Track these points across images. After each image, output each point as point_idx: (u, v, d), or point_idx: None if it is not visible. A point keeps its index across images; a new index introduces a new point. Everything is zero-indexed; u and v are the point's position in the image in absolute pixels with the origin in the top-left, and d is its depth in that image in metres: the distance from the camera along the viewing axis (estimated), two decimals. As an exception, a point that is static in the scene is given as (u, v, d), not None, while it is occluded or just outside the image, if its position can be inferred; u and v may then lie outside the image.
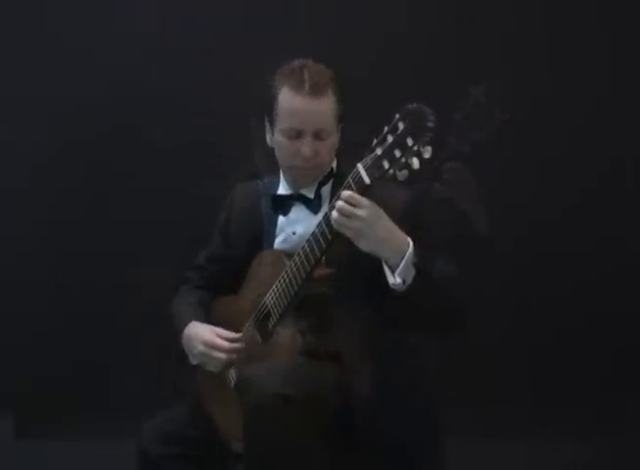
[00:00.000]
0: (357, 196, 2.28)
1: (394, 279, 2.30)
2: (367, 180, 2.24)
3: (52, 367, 3.97)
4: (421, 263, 2.30)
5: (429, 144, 2.14)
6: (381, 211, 2.31)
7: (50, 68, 3.97)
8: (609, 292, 3.93)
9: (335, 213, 2.29)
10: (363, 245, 2.31)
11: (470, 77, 3.85)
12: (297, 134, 2.50)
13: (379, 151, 2.21)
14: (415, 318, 2.38)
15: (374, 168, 2.22)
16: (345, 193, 2.28)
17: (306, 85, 2.47)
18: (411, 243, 2.32)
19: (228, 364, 2.59)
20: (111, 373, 3.95)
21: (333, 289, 2.46)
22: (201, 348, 2.59)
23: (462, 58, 3.92)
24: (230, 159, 3.79)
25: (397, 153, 2.17)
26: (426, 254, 2.33)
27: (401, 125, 2.18)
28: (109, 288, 3.99)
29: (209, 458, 2.67)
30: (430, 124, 2.14)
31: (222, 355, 2.56)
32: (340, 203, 2.29)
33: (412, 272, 2.30)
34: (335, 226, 2.31)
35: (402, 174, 2.18)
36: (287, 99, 2.50)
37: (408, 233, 2.36)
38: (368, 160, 2.24)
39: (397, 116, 2.20)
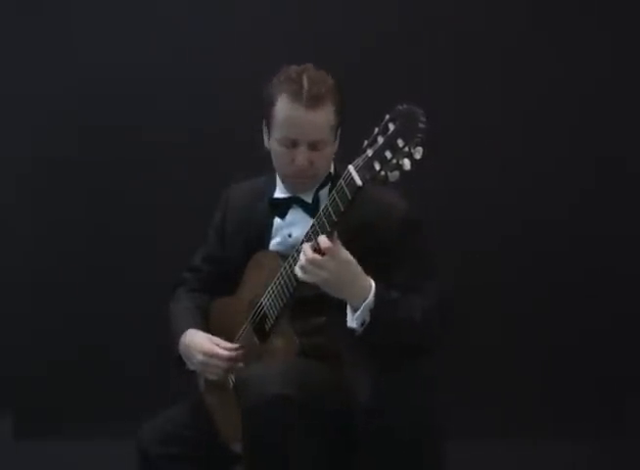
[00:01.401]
0: (331, 246, 2.29)
1: (351, 322, 2.35)
2: (359, 182, 2.22)
3: (52, 367, 3.97)
4: (378, 311, 2.33)
5: (420, 145, 2.13)
6: (349, 261, 2.33)
7: (50, 67, 3.98)
8: (609, 292, 3.93)
9: (303, 260, 2.32)
10: (327, 290, 2.34)
11: (464, 78, 3.92)
12: (292, 144, 2.49)
13: (370, 152, 2.20)
14: (373, 354, 2.41)
15: (365, 170, 2.21)
16: (321, 239, 2.30)
17: (304, 96, 2.44)
18: (373, 289, 2.34)
19: (227, 372, 2.59)
20: (110, 373, 3.96)
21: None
22: (200, 357, 2.58)
23: (456, 58, 3.92)
24: (229, 158, 3.81)
25: (388, 154, 2.16)
26: (390, 299, 2.36)
27: (392, 126, 2.17)
28: (109, 288, 4.00)
29: (209, 459, 2.67)
30: (421, 125, 2.13)
31: (222, 364, 2.56)
32: (309, 253, 2.31)
33: (369, 317, 2.34)
34: (299, 274, 2.33)
35: (394, 175, 2.17)
36: (283, 108, 2.47)
37: (400, 253, 2.41)
38: (359, 161, 2.23)
39: (388, 116, 2.20)
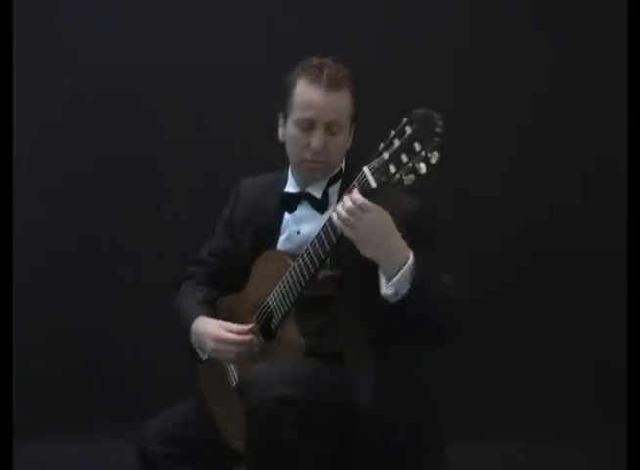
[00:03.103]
0: (368, 201, 2.28)
1: (386, 289, 2.33)
2: (373, 184, 2.24)
3: (52, 367, 3.97)
4: (417, 281, 2.31)
5: (436, 149, 2.14)
6: (388, 220, 2.32)
7: (57, 68, 3.99)
8: (608, 291, 3.94)
9: (342, 211, 2.30)
10: (364, 249, 2.32)
11: (478, 81, 3.93)
12: (309, 125, 2.51)
13: (385, 155, 2.21)
14: (404, 328, 2.39)
15: (380, 173, 2.23)
16: (357, 196, 2.28)
17: (324, 78, 2.49)
18: (411, 257, 2.32)
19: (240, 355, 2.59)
20: (111, 373, 3.96)
21: (336, 291, 2.46)
22: (212, 344, 2.58)
23: (471, 62, 3.93)
24: (232, 156, 3.82)
25: (404, 157, 2.18)
26: (427, 269, 2.33)
27: (409, 130, 2.18)
28: (109, 288, 4.00)
29: (211, 458, 2.67)
30: (437, 129, 2.14)
31: (234, 349, 2.56)
32: (349, 204, 2.29)
33: (407, 286, 2.31)
34: (338, 225, 2.32)
35: (409, 179, 2.18)
36: (303, 90, 2.52)
37: (413, 244, 2.38)
38: (374, 163, 2.24)
39: (405, 120, 2.20)
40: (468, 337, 2.48)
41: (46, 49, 3.96)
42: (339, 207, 2.32)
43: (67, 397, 3.96)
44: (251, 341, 2.56)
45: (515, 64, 3.94)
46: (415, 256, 2.33)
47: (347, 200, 2.30)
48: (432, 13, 3.93)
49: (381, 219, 2.30)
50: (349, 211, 2.29)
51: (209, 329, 2.60)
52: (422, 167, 2.16)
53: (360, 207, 2.27)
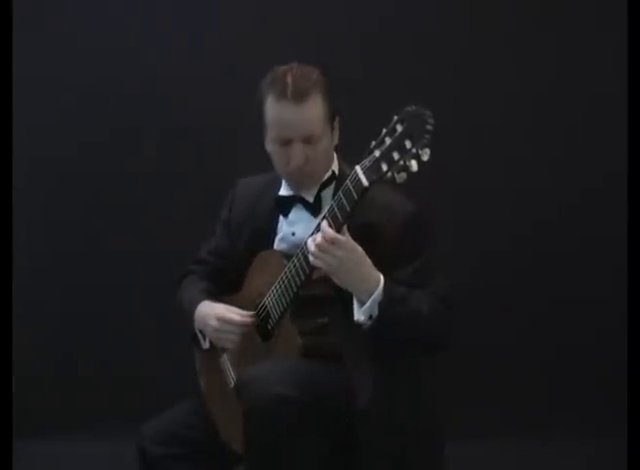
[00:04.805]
0: (339, 237, 2.30)
1: (358, 315, 2.35)
2: (365, 183, 2.23)
3: (52, 367, 3.98)
4: (386, 305, 2.33)
5: (427, 146, 2.14)
6: (358, 252, 2.33)
7: (57, 68, 4.00)
8: (607, 291, 3.94)
9: (312, 246, 2.33)
10: (335, 279, 2.35)
11: (470, 80, 3.92)
12: (286, 142, 2.49)
13: (377, 153, 2.21)
14: (387, 345, 2.41)
15: (372, 171, 2.22)
16: (327, 230, 2.31)
17: (289, 92, 2.45)
18: (381, 284, 2.34)
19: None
20: (111, 373, 3.96)
21: (332, 290, 2.45)
22: (214, 323, 2.58)
23: (463, 60, 3.92)
24: (231, 157, 3.82)
25: (396, 155, 2.17)
26: (396, 292, 2.35)
27: (400, 128, 2.18)
28: (109, 288, 4.00)
29: (210, 459, 2.67)
30: (428, 127, 2.13)
31: (236, 330, 2.56)
32: (319, 239, 2.31)
33: (377, 311, 2.34)
34: (310, 260, 2.35)
35: (401, 177, 2.18)
36: (271, 108, 2.49)
37: (408, 246, 2.40)
38: (366, 162, 2.24)
39: (396, 117, 2.20)
40: (467, 337, 2.49)
41: (46, 49, 3.98)
42: (309, 241, 2.34)
43: (66, 397, 3.97)
44: (252, 324, 2.56)
45: (515, 63, 3.94)
46: (386, 279, 2.35)
47: (319, 235, 2.33)
48: (430, 11, 3.93)
49: (349, 253, 2.32)
50: (318, 246, 2.31)
51: (213, 309, 2.61)
52: (413, 165, 2.15)
53: (330, 241, 2.30)
